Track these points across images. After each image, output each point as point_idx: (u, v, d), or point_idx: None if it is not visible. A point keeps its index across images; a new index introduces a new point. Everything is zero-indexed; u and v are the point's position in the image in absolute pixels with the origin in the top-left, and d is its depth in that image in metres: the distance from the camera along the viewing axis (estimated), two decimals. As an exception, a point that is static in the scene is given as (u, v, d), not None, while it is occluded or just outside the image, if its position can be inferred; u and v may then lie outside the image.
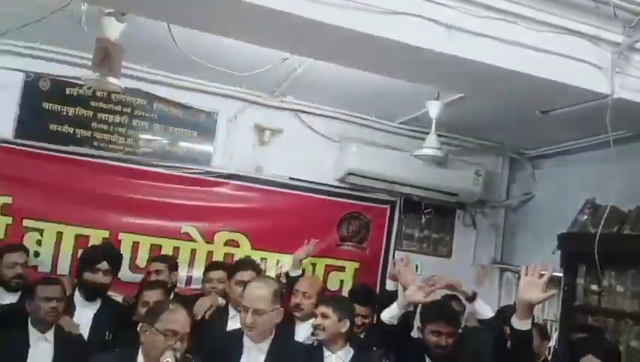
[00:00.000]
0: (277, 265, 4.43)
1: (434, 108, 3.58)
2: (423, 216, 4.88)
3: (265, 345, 2.71)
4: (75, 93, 4.10)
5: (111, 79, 2.78)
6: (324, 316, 3.17)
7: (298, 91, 4.34)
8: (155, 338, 2.39)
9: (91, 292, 3.40)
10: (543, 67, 2.69)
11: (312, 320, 3.51)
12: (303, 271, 4.03)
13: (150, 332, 2.42)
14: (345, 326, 3.21)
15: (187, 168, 4.31)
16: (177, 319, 2.44)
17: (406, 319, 3.05)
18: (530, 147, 4.87)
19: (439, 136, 3.79)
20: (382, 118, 4.65)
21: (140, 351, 2.46)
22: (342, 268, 4.63)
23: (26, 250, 3.61)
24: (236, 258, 4.22)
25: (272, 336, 2.73)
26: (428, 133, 3.76)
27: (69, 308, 3.33)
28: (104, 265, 3.39)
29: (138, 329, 2.49)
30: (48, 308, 3.06)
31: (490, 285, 4.99)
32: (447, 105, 3.65)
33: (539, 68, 2.69)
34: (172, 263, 3.89)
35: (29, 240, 3.84)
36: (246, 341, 2.71)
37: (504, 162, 5.08)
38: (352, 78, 3.75)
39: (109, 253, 3.58)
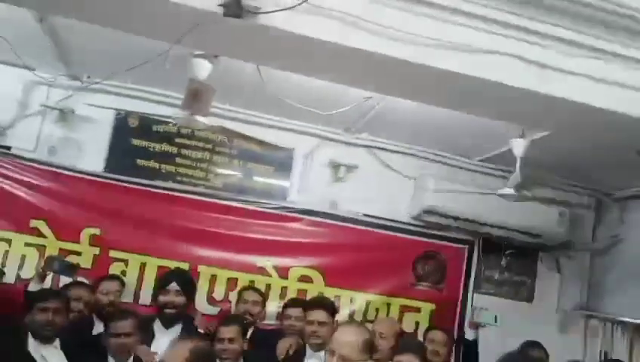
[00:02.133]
0: (350, 303, 4.37)
1: (519, 147, 3.46)
2: (503, 258, 4.70)
3: None
4: (161, 130, 4.29)
5: (199, 118, 2.86)
6: None
7: (374, 128, 4.34)
8: None
9: (168, 316, 3.49)
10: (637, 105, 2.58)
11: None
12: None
13: None
14: None
15: (264, 203, 4.37)
16: None
17: None
18: (618, 187, 4.62)
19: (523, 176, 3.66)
20: (460, 155, 4.56)
21: None
22: (417, 309, 4.50)
23: (121, 281, 3.80)
24: (310, 294, 4.21)
25: None
26: (509, 172, 3.65)
27: (149, 337, 3.43)
28: (174, 285, 3.53)
29: None
30: (116, 343, 3.17)
31: (574, 333, 4.71)
32: (532, 143, 3.53)
33: (633, 106, 2.58)
34: (264, 296, 4.01)
35: (115, 270, 3.99)
36: None
37: (590, 203, 4.83)
38: (430, 114, 3.72)
39: (178, 274, 3.74)
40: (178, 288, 3.52)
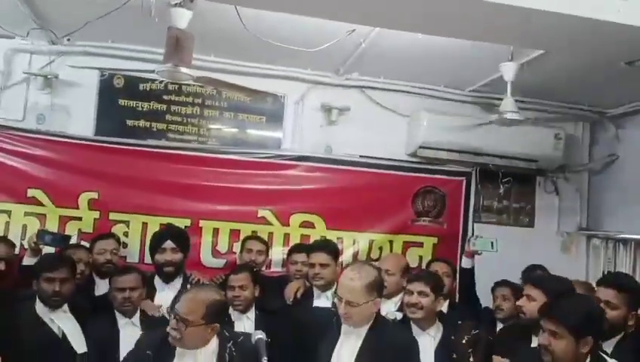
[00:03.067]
0: (353, 244, 4.41)
1: (508, 71, 3.42)
2: (501, 186, 4.72)
3: (363, 330, 2.66)
4: (147, 88, 4.24)
5: (183, 69, 2.81)
6: (421, 294, 3.06)
7: (363, 67, 4.29)
8: None
9: (166, 273, 3.53)
10: (627, 14, 2.52)
11: (395, 298, 3.50)
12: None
13: None
14: (439, 304, 3.13)
15: (259, 153, 4.35)
16: None
17: None
18: (612, 106, 4.60)
19: (515, 101, 3.63)
20: (451, 87, 4.52)
21: None
22: (420, 244, 4.54)
23: (117, 239, 3.79)
24: (312, 238, 4.23)
25: (370, 321, 2.68)
26: (501, 100, 3.61)
27: (151, 292, 3.48)
28: (169, 243, 3.54)
29: None
30: (122, 298, 3.20)
31: (577, 253, 4.78)
32: (522, 66, 3.49)
33: (623, 15, 2.53)
34: (267, 245, 4.04)
35: (117, 232, 3.97)
36: (344, 325, 2.68)
37: (585, 124, 4.83)
38: (416, 47, 3.68)
39: (172, 232, 3.74)
40: (174, 245, 3.54)
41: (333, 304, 2.90)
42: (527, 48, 3.33)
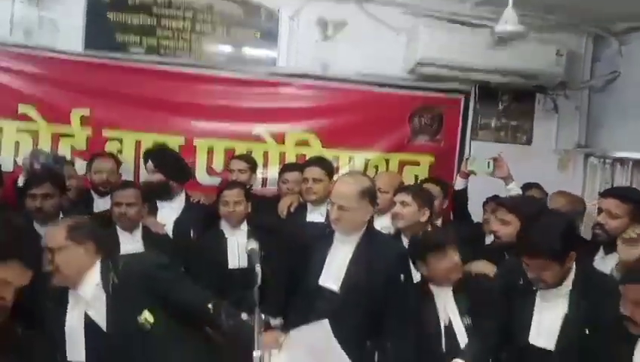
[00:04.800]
0: (349, 162, 4.39)
1: (511, -22, 3.29)
2: (499, 104, 4.63)
3: (354, 239, 2.69)
4: (137, 1, 4.08)
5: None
6: (404, 204, 3.15)
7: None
8: None
9: (155, 194, 3.54)
10: None
11: (388, 215, 3.52)
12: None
13: None
14: (424, 215, 3.18)
15: (253, 70, 4.25)
16: None
17: None
18: (616, 21, 4.44)
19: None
20: (452, 1, 4.35)
21: None
22: (416, 163, 4.53)
23: (114, 158, 3.79)
24: (308, 158, 4.18)
25: (362, 231, 2.70)
26: (502, 15, 3.48)
27: (154, 210, 3.50)
28: (149, 164, 3.56)
29: None
30: (118, 212, 3.23)
31: (574, 171, 4.76)
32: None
33: None
34: (254, 164, 3.99)
35: (110, 150, 3.98)
36: (337, 234, 2.72)
37: (587, 40, 4.67)
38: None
39: (152, 153, 3.72)
40: (152, 166, 3.55)
41: (327, 217, 2.92)
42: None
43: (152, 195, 3.48)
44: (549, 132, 4.76)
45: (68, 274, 2.23)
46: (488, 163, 3.55)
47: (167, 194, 3.56)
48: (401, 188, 3.36)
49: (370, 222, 2.79)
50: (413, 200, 3.14)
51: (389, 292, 2.62)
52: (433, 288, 2.72)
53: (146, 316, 2.21)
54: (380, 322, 2.64)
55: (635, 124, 4.31)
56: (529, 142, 4.74)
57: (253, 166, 3.96)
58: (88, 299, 2.25)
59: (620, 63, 4.54)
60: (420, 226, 3.14)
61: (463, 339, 2.63)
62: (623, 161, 4.67)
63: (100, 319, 2.24)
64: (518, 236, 2.52)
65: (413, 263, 2.76)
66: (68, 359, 2.26)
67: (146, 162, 3.58)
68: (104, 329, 2.24)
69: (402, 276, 2.68)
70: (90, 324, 2.25)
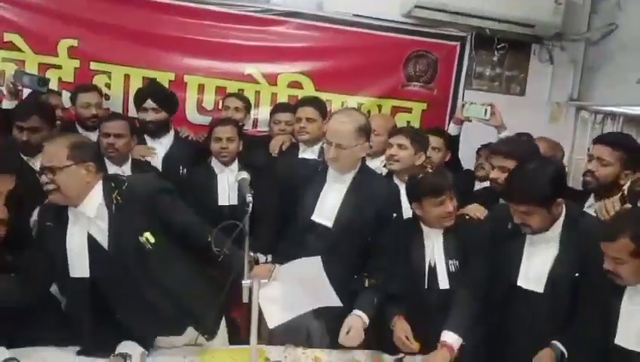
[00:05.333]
0: (342, 105, 4.33)
1: None
2: (495, 53, 4.57)
3: (348, 177, 2.69)
4: None
5: None
6: (401, 146, 3.14)
7: None
8: None
9: (149, 131, 3.51)
10: None
11: (381, 157, 3.51)
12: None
13: None
14: (420, 159, 3.18)
15: (246, 6, 4.14)
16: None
17: None
18: (618, -30, 4.38)
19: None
20: (452, -58, 4.24)
21: None
22: (409, 110, 4.49)
23: (99, 91, 3.70)
24: (301, 97, 4.13)
25: (356, 169, 2.70)
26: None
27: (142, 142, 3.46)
28: (149, 102, 3.48)
29: None
30: (106, 143, 3.17)
31: (565, 124, 4.76)
32: None
33: None
34: (248, 103, 3.95)
35: (98, 83, 3.88)
36: (330, 171, 2.72)
37: (586, -11, 4.62)
38: None
39: (152, 90, 3.65)
40: (154, 105, 3.49)
41: (320, 154, 2.90)
42: None
43: (151, 133, 3.46)
44: (543, 84, 4.72)
45: (70, 195, 2.23)
46: (485, 110, 3.52)
47: (165, 132, 3.51)
48: (398, 130, 3.33)
49: (364, 160, 2.79)
50: (411, 143, 3.13)
51: (380, 230, 2.65)
52: (425, 228, 2.73)
53: (147, 236, 2.25)
54: (369, 258, 2.68)
55: (628, 78, 4.27)
56: (522, 93, 4.71)
57: (247, 105, 3.92)
58: (91, 218, 2.25)
59: (617, 16, 4.47)
60: (415, 170, 3.12)
61: (444, 284, 2.66)
62: (614, 116, 4.70)
63: (102, 238, 2.27)
64: (505, 182, 2.54)
65: (410, 203, 2.76)
66: (71, 275, 2.29)
67: (142, 100, 3.50)
68: (106, 247, 2.27)
69: (394, 215, 2.70)
70: (92, 242, 2.27)
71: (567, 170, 4.61)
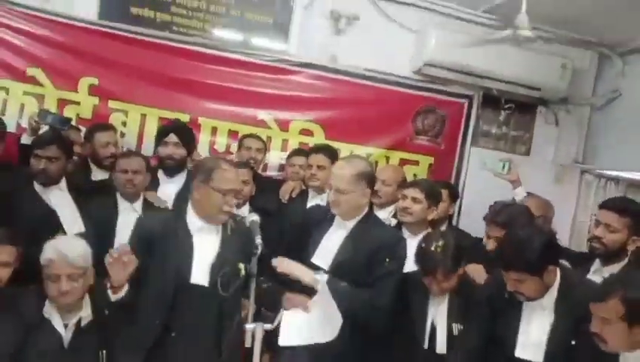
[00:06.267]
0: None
1: (526, -17, 3.33)
2: (502, 112, 4.69)
3: (351, 223, 2.74)
4: (154, -23, 4.11)
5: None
6: (415, 200, 3.16)
7: (376, -24, 4.19)
8: (212, 196, 2.54)
9: (168, 167, 3.56)
10: None
11: (389, 208, 3.56)
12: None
13: (205, 191, 2.55)
14: (432, 213, 3.22)
15: (263, 55, 4.28)
16: (231, 177, 2.58)
17: None
18: (622, 40, 4.51)
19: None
20: (464, 5, 4.41)
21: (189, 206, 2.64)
22: (416, 162, 4.57)
23: (115, 130, 3.78)
24: (314, 145, 4.21)
25: (360, 216, 2.75)
26: (512, 23, 3.54)
27: (154, 185, 3.51)
28: (172, 137, 3.55)
29: (193, 186, 2.64)
30: (124, 179, 3.23)
31: (569, 186, 4.82)
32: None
33: None
34: (265, 145, 4.05)
35: (115, 121, 3.97)
36: (337, 218, 2.78)
37: (592, 57, 4.75)
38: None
39: (177, 126, 3.73)
40: (177, 140, 3.56)
41: (328, 203, 2.95)
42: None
43: (167, 170, 3.53)
44: (548, 145, 4.82)
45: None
46: (504, 164, 3.61)
47: (180, 170, 3.58)
48: (413, 182, 3.37)
49: (371, 208, 2.83)
50: (425, 197, 3.16)
51: (371, 270, 2.65)
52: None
53: (240, 266, 2.47)
54: None
55: (632, 144, 4.38)
56: (527, 153, 4.80)
57: (265, 147, 4.02)
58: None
59: (622, 83, 4.61)
60: (425, 222, 3.19)
61: (441, 348, 2.65)
62: (617, 180, 4.76)
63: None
64: (498, 249, 2.58)
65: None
66: (191, 281, 2.50)
67: (165, 135, 3.57)
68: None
69: (387, 260, 2.67)
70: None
71: (569, 232, 4.69)
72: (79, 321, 2.51)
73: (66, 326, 2.48)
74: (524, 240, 2.38)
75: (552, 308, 2.40)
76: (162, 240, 2.55)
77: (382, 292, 2.61)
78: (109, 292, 2.50)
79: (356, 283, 2.63)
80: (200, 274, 2.52)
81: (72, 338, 2.48)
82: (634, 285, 2.05)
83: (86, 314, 2.52)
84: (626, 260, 2.81)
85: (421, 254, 2.68)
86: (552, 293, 2.41)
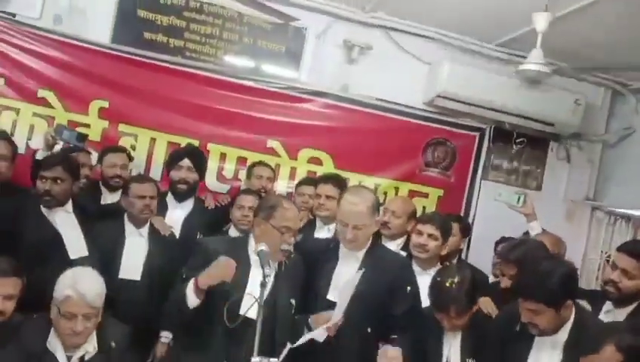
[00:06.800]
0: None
1: (541, 20, 3.30)
2: (513, 146, 4.65)
3: (360, 254, 2.71)
4: (169, 2, 4.12)
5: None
6: (431, 236, 3.13)
7: (390, 7, 4.18)
8: (272, 233, 2.50)
9: (180, 192, 3.53)
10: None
11: (398, 240, 3.50)
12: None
13: (265, 228, 2.53)
14: (445, 249, 3.20)
15: (274, 82, 4.27)
16: (291, 216, 2.56)
17: None
18: (636, 78, 4.50)
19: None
20: (478, 39, 4.41)
21: (250, 240, 2.61)
22: (425, 195, 4.52)
23: (128, 154, 3.77)
24: (323, 174, 4.17)
25: (368, 245, 2.73)
26: (525, 58, 3.53)
27: (162, 209, 3.47)
28: (186, 161, 3.55)
29: (254, 222, 2.64)
30: (142, 205, 3.20)
31: (580, 222, 4.76)
32: (555, 20, 3.38)
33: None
34: (274, 173, 4.03)
35: (124, 144, 3.96)
36: (342, 249, 2.74)
37: (605, 93, 4.73)
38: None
39: (191, 151, 3.73)
40: (190, 165, 3.55)
41: (335, 232, 2.90)
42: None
43: (178, 195, 3.51)
44: (560, 181, 4.77)
45: None
46: (519, 197, 3.56)
47: (189, 196, 3.56)
48: (428, 218, 3.29)
49: (375, 235, 2.82)
50: (440, 234, 3.13)
51: (395, 301, 2.64)
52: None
53: (292, 301, 2.56)
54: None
55: (644, 183, 4.34)
56: (539, 188, 4.75)
57: (275, 175, 4.01)
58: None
59: (635, 120, 4.59)
60: (437, 257, 3.16)
61: None
62: (629, 218, 4.70)
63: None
64: (518, 278, 2.54)
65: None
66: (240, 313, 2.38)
67: (179, 158, 3.55)
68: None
69: (408, 288, 2.70)
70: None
71: (580, 269, 4.61)
72: (83, 356, 2.42)
73: (69, 358, 2.40)
74: (547, 270, 2.34)
75: (562, 347, 2.34)
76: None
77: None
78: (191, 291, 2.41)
79: (374, 313, 2.61)
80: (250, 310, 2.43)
81: None
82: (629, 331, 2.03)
83: (91, 348, 2.43)
84: (638, 303, 2.74)
85: (436, 289, 2.62)
86: (565, 331, 2.35)
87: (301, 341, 2.40)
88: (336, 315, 2.48)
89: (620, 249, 2.87)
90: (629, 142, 4.64)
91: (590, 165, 4.81)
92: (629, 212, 4.60)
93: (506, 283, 2.85)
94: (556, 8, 3.37)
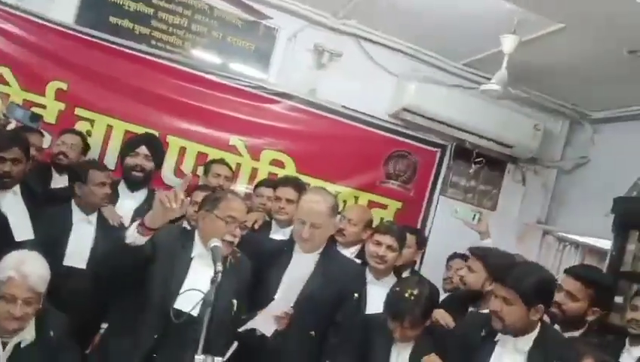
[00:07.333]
0: (319, 191, 4.35)
1: (509, 43, 3.39)
2: (472, 165, 4.73)
3: (314, 256, 2.69)
4: (138, -12, 4.04)
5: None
6: (390, 248, 3.11)
7: (363, 16, 4.20)
8: (216, 223, 2.42)
9: (134, 179, 3.43)
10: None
11: (352, 248, 3.48)
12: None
13: (209, 219, 2.44)
14: (400, 259, 3.20)
15: (242, 80, 4.21)
16: (236, 206, 2.48)
17: None
18: (594, 108, 4.65)
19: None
20: (446, 56, 4.47)
21: (195, 234, 2.52)
22: (384, 206, 4.53)
23: (82, 137, 3.64)
24: (283, 176, 4.12)
25: (322, 248, 2.71)
26: (491, 79, 3.60)
27: (113, 198, 3.36)
28: (143, 149, 3.45)
29: (198, 216, 2.55)
30: (103, 193, 3.09)
31: (531, 245, 4.85)
32: (519, 46, 3.45)
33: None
34: (233, 173, 3.93)
35: (80, 129, 3.81)
36: (297, 249, 2.71)
37: (564, 121, 4.87)
38: (420, 9, 3.65)
39: (149, 139, 3.63)
40: (147, 152, 3.45)
41: (291, 235, 2.87)
42: (540, 15, 3.21)
43: (132, 183, 3.40)
44: (514, 203, 4.88)
45: None
46: (475, 215, 3.61)
47: (142, 186, 3.44)
48: (387, 229, 3.23)
49: (330, 239, 2.82)
50: (398, 245, 3.12)
51: (342, 306, 2.62)
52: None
53: (234, 301, 2.46)
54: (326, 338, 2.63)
55: (594, 211, 4.43)
56: (494, 208, 4.85)
57: (233, 175, 3.91)
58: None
59: (590, 150, 4.73)
60: (390, 270, 3.15)
61: None
62: (577, 245, 4.82)
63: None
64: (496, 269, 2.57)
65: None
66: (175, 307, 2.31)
67: (136, 145, 3.44)
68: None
69: (355, 294, 2.69)
70: None
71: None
72: (19, 343, 2.31)
73: (4, 345, 2.28)
74: (531, 269, 2.42)
75: (527, 354, 2.32)
76: (167, 254, 2.44)
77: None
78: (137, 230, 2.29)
79: (322, 317, 2.59)
80: (190, 305, 2.34)
81: (9, 359, 2.28)
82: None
83: (29, 336, 2.32)
84: (585, 328, 2.78)
85: (394, 299, 2.61)
86: (529, 339, 2.34)
87: (248, 325, 2.39)
88: (278, 305, 2.46)
89: (566, 271, 2.91)
90: (584, 171, 4.78)
91: (544, 190, 4.92)
92: (579, 238, 4.72)
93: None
94: (524, 32, 3.45)
